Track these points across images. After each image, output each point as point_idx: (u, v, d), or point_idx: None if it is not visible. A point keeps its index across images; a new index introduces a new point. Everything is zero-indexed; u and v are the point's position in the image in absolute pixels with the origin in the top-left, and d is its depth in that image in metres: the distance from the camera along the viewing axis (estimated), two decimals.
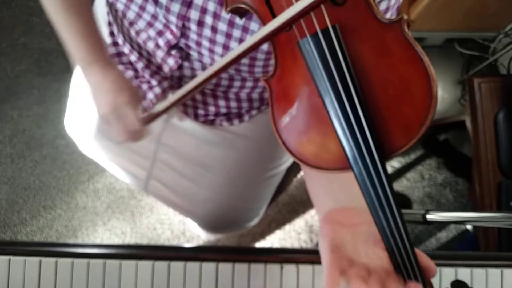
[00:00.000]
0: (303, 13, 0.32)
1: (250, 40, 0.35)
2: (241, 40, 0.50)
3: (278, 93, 0.38)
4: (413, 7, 1.31)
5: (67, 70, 1.59)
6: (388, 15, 0.48)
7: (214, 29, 0.50)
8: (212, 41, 0.51)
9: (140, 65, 0.68)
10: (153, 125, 0.75)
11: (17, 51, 1.59)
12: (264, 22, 0.36)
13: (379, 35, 0.33)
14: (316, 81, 0.33)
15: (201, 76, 0.42)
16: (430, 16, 1.31)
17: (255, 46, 0.36)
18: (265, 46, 0.51)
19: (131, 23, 0.61)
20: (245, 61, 0.53)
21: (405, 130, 0.32)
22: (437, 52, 1.59)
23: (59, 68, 1.59)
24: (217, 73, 0.40)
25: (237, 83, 0.65)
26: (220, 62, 0.39)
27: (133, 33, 0.63)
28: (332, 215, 0.41)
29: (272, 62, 0.38)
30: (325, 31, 0.32)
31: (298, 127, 0.36)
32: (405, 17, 0.32)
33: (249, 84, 0.66)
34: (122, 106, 0.57)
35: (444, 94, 1.58)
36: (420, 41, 1.54)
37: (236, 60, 0.37)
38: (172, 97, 0.50)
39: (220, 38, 0.50)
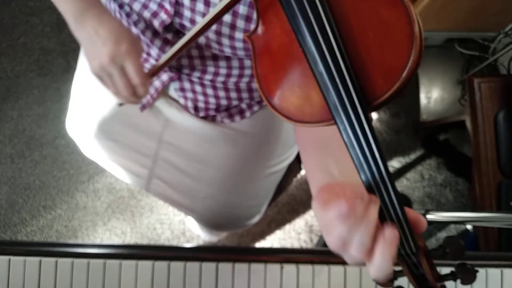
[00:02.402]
0: None
1: None
2: (234, 12, 0.50)
3: (261, 49, 0.37)
4: (413, 7, 1.31)
5: (67, 70, 1.59)
6: None
7: (207, 2, 0.50)
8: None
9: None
10: (152, 123, 0.75)
11: (17, 51, 1.59)
12: None
13: None
14: (294, 29, 0.33)
15: (197, 25, 0.44)
16: (430, 16, 1.31)
17: None
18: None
19: (128, 15, 0.61)
20: (239, 35, 0.53)
21: (386, 74, 0.31)
22: (437, 52, 1.59)
23: (59, 68, 1.59)
24: (211, 22, 0.42)
25: (235, 71, 0.65)
26: (210, 13, 0.41)
27: (131, 23, 0.63)
28: (327, 186, 0.41)
29: (254, 17, 0.38)
30: None
31: (281, 81, 0.36)
32: None
33: (247, 72, 0.66)
34: (123, 56, 0.53)
35: (444, 94, 1.58)
36: None
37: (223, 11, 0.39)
38: (173, 48, 0.50)
39: None
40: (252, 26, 0.51)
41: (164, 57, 0.53)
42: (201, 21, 0.44)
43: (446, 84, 1.58)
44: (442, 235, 1.46)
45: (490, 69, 1.52)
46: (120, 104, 0.65)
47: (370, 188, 0.34)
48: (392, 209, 0.34)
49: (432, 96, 1.57)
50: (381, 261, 0.33)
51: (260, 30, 0.37)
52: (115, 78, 0.55)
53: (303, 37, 0.32)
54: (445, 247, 0.36)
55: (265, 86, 0.37)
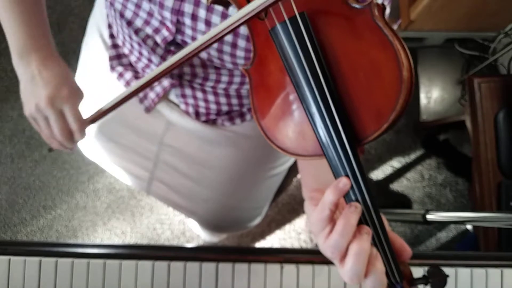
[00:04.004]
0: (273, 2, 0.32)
1: (218, 27, 0.36)
2: (235, 32, 0.50)
3: (257, 82, 0.38)
4: (413, 7, 1.31)
5: None
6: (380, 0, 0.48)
7: (208, 23, 0.50)
8: None
9: (140, 65, 0.68)
10: (153, 126, 0.75)
11: None
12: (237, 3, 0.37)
13: (349, 20, 0.33)
14: (287, 68, 0.34)
15: (157, 69, 0.42)
16: (430, 16, 1.31)
17: (224, 33, 0.36)
18: None
19: (129, 23, 0.61)
20: (240, 53, 0.53)
21: (376, 115, 0.32)
22: (437, 52, 1.59)
23: None
24: (174, 66, 0.40)
25: (237, 79, 0.65)
26: (181, 52, 0.39)
27: (132, 32, 0.63)
28: (320, 190, 0.41)
29: (252, 51, 0.39)
30: (293, 19, 0.33)
31: (276, 115, 0.37)
32: (375, 1, 0.32)
33: None
34: (62, 100, 0.52)
35: (444, 94, 1.58)
36: (420, 41, 1.54)
37: (204, 46, 0.37)
38: (122, 93, 0.48)
39: None
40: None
41: (109, 104, 0.50)
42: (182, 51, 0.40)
43: (446, 84, 1.58)
44: (442, 235, 1.46)
45: (490, 69, 1.52)
46: (50, 150, 0.62)
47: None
48: (377, 240, 0.35)
49: (432, 96, 1.57)
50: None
51: (256, 64, 0.38)
52: (51, 122, 0.53)
53: (295, 77, 0.33)
54: (428, 277, 0.37)
55: (261, 117, 0.38)
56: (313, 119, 0.33)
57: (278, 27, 0.33)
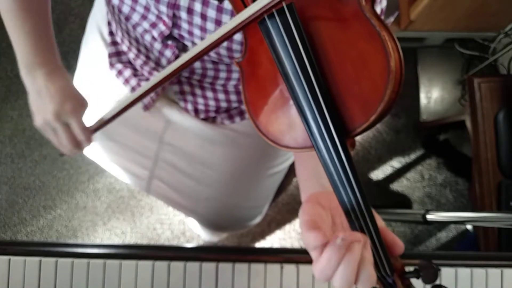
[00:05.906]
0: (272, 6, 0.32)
1: (217, 33, 0.36)
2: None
3: (248, 75, 0.39)
4: (413, 7, 1.31)
5: (68, 69, 1.58)
6: None
7: (203, 16, 0.50)
8: (203, 29, 0.52)
9: (138, 62, 0.68)
10: (152, 124, 0.75)
11: None
12: (234, 5, 0.37)
13: (337, 11, 0.33)
14: (275, 60, 0.34)
15: (153, 79, 0.43)
16: (430, 16, 1.31)
17: (224, 39, 0.36)
18: None
19: (127, 18, 0.62)
20: (236, 46, 0.53)
21: (363, 106, 0.32)
22: (437, 52, 1.59)
23: None
24: (175, 72, 0.41)
25: (235, 75, 0.65)
26: (179, 61, 0.40)
27: (130, 28, 0.63)
28: (314, 196, 0.41)
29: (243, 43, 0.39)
30: (281, 11, 0.33)
31: (267, 108, 0.37)
32: None
33: None
34: (67, 114, 0.58)
35: (444, 94, 1.58)
36: (420, 41, 1.54)
37: (206, 51, 0.38)
38: (123, 101, 0.51)
39: (210, 26, 0.50)
40: None
41: (110, 113, 0.55)
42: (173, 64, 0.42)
43: (446, 84, 1.58)
44: (442, 235, 1.46)
45: (490, 69, 1.52)
46: (61, 155, 0.68)
47: (347, 211, 0.35)
48: (367, 234, 0.35)
49: (432, 96, 1.57)
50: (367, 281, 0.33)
51: (248, 57, 0.38)
52: (59, 133, 0.59)
53: (283, 70, 0.33)
54: (419, 271, 0.37)
55: (252, 110, 0.38)
56: (302, 111, 0.33)
57: (266, 19, 0.33)
